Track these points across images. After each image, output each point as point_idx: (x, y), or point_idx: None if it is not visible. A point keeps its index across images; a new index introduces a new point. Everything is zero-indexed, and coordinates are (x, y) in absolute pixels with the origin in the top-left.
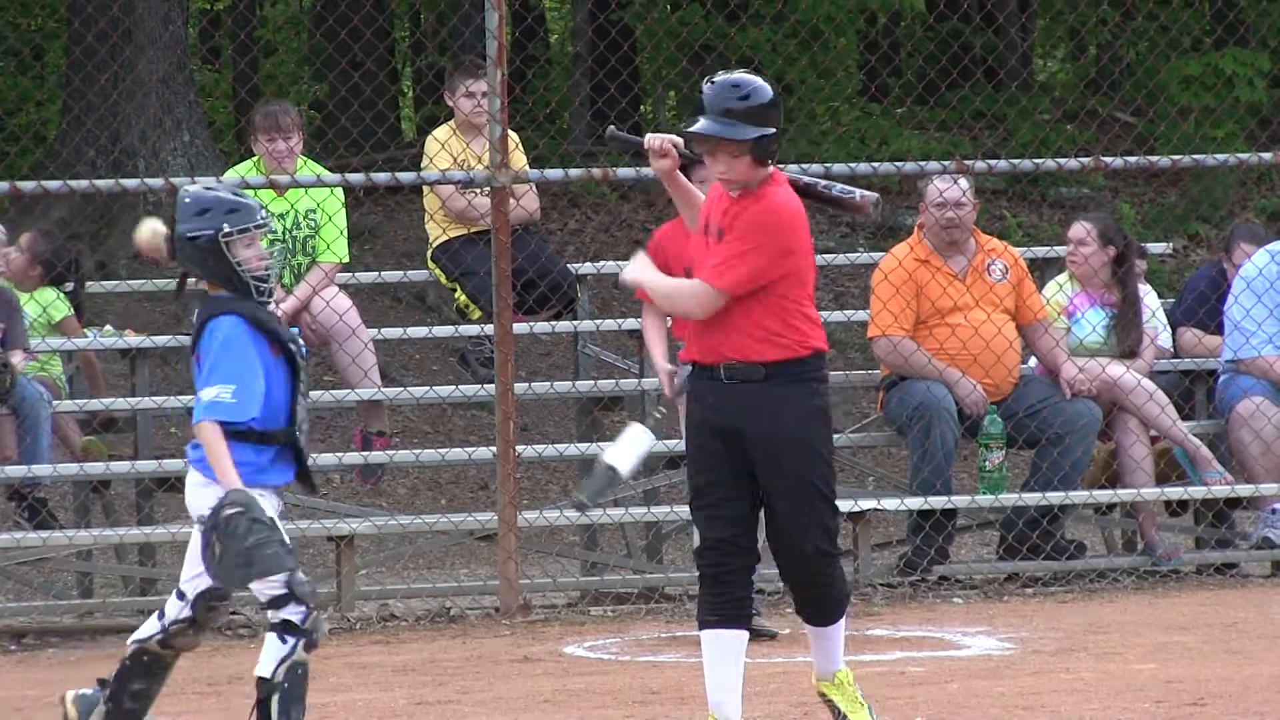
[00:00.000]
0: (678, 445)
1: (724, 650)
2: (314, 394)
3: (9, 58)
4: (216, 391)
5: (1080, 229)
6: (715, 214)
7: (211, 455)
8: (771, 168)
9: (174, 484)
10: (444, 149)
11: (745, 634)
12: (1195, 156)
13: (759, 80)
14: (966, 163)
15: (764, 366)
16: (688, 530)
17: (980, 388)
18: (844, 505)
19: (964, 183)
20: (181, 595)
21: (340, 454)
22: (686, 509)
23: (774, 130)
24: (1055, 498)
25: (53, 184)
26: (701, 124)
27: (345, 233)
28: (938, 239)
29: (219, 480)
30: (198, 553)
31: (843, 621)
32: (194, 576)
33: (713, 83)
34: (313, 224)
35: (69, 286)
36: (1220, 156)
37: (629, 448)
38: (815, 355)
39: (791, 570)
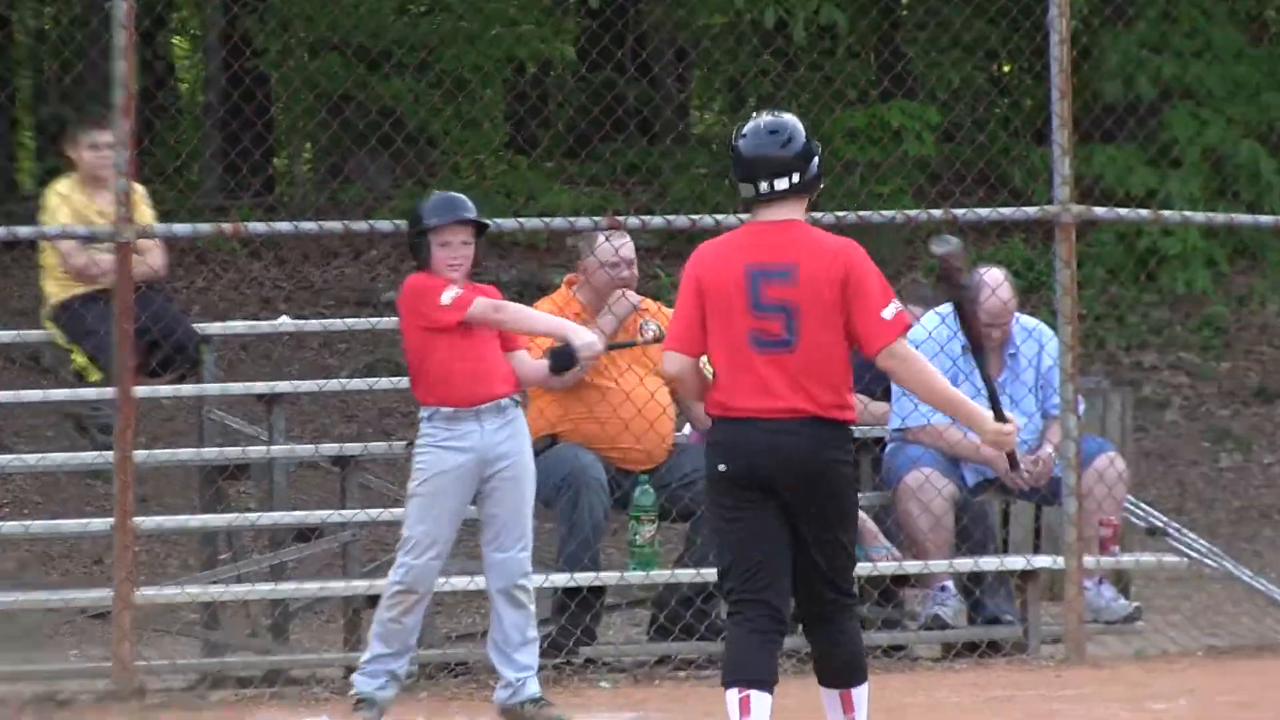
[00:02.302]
0: (307, 517)
1: None
2: None
3: None
4: None
5: None
6: None
7: None
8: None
9: None
10: (65, 203)
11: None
12: (861, 213)
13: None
14: (619, 218)
15: None
16: (315, 609)
17: None
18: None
19: (621, 237)
20: None
21: None
22: (315, 585)
23: None
24: (711, 574)
25: None
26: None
27: None
28: (596, 299)
29: None
30: None
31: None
32: None
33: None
34: None
35: None
36: (887, 213)
37: None
38: None
39: None
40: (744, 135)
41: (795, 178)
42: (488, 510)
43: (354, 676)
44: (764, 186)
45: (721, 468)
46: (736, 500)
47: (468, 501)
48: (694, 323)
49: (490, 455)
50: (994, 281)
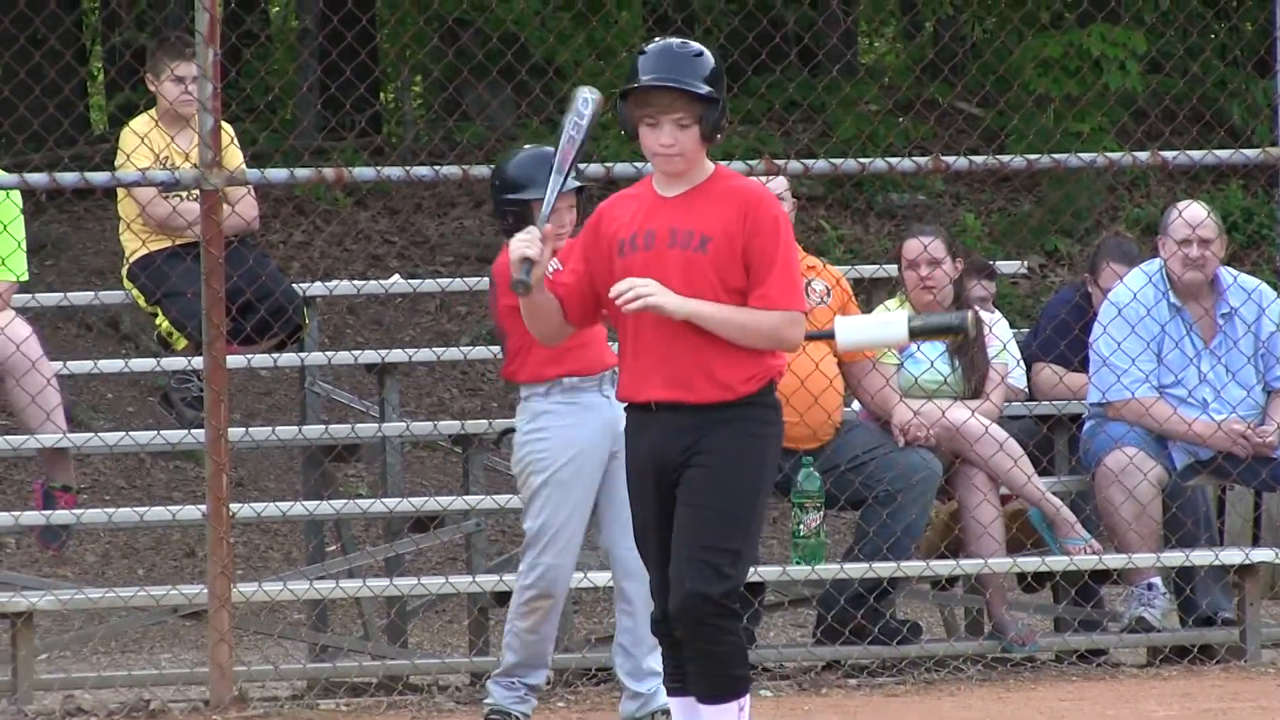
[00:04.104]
0: (426, 504)
1: None
2: None
3: None
4: None
5: (939, 246)
6: (640, 220)
7: None
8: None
9: None
10: (144, 144)
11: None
12: (1055, 156)
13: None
14: (777, 162)
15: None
16: (436, 608)
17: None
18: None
19: (780, 183)
20: None
21: (17, 513)
22: (436, 580)
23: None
24: (884, 569)
25: None
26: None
27: (23, 245)
28: None
29: None
30: None
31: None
32: None
33: (656, 44)
34: None
35: None
36: (1086, 156)
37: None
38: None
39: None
40: None
41: None
42: (613, 492)
43: (489, 685)
44: None
45: None
46: None
47: (598, 485)
48: None
49: (616, 429)
50: (1193, 219)
